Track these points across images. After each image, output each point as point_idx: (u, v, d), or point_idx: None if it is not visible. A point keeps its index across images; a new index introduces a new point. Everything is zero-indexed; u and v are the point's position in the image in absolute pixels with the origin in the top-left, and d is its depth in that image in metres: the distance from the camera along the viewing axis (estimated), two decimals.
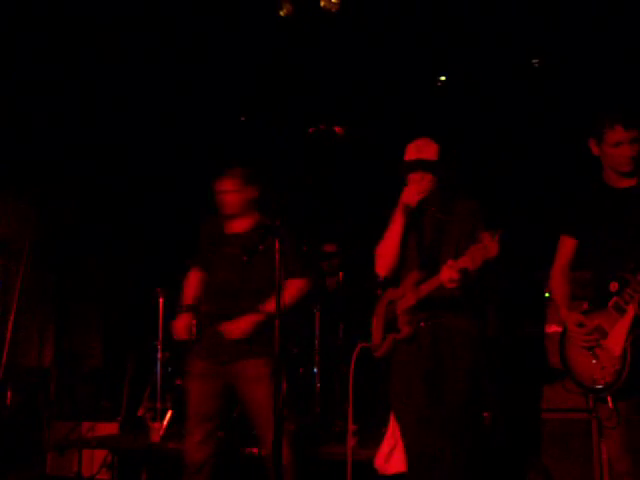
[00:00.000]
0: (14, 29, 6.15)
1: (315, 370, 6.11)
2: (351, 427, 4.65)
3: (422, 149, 4.15)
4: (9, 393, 4.67)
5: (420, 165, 4.11)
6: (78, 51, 6.48)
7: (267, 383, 4.26)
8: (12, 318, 4.34)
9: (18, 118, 6.99)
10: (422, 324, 4.09)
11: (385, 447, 4.93)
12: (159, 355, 6.49)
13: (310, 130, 4.12)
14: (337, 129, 4.20)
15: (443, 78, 6.94)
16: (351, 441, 4.72)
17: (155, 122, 7.41)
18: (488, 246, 3.65)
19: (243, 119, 7.54)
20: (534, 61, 6.60)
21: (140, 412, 6.55)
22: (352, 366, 4.51)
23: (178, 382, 6.37)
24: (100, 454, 5.92)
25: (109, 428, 6.34)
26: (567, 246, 4.12)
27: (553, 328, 5.31)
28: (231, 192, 4.70)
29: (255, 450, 5.54)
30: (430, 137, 4.20)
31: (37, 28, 6.17)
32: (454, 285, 3.83)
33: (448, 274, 3.82)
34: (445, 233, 4.13)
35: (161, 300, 6.59)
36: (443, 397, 4.00)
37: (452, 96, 6.86)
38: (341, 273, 6.48)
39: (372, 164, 6.62)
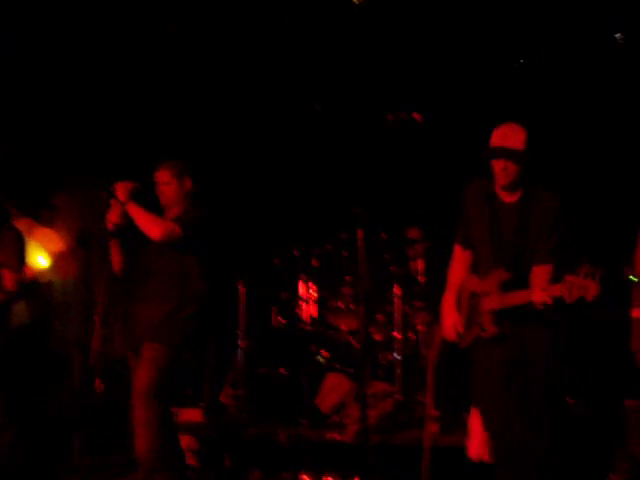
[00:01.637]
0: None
1: (397, 356, 6.11)
2: (429, 413, 4.62)
3: (508, 136, 4.01)
4: (97, 381, 4.78)
5: (504, 154, 3.98)
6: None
7: None
8: (99, 308, 4.42)
9: (94, 110, 7.15)
10: (503, 324, 4.02)
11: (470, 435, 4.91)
12: (240, 343, 6.58)
13: (389, 117, 4.11)
14: (416, 116, 4.18)
15: (522, 61, 6.83)
16: (429, 428, 4.69)
17: (230, 118, 7.46)
18: (588, 287, 3.53)
19: (317, 108, 7.54)
20: (617, 36, 6.38)
21: (222, 399, 6.65)
22: (433, 353, 4.51)
23: (260, 369, 6.47)
24: (185, 439, 6.01)
25: (193, 414, 6.43)
26: None
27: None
28: (166, 184, 4.90)
29: (337, 436, 5.58)
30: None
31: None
32: (543, 307, 3.77)
33: (541, 298, 3.74)
34: (527, 229, 4.02)
35: (242, 289, 6.66)
36: (524, 390, 3.97)
37: (532, 79, 6.74)
38: (424, 259, 6.46)
39: (452, 149, 6.56)
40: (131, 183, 4.78)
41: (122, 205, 4.70)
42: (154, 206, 4.89)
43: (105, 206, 4.87)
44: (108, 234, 4.82)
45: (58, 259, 7.18)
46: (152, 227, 4.64)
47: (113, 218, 4.79)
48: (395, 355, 6.16)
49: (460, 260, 4.39)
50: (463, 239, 4.36)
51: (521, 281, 3.98)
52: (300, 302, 6.68)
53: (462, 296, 4.28)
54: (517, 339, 4.03)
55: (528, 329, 4.02)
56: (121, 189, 4.72)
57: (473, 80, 6.68)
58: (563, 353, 4.15)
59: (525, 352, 4.01)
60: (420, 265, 6.51)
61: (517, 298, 3.90)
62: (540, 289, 3.74)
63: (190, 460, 5.84)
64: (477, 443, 4.55)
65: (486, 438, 4.43)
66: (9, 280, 5.21)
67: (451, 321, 4.27)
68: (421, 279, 6.42)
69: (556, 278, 3.78)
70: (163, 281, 4.76)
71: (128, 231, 4.78)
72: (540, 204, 4.03)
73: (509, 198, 4.11)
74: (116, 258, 4.87)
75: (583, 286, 3.54)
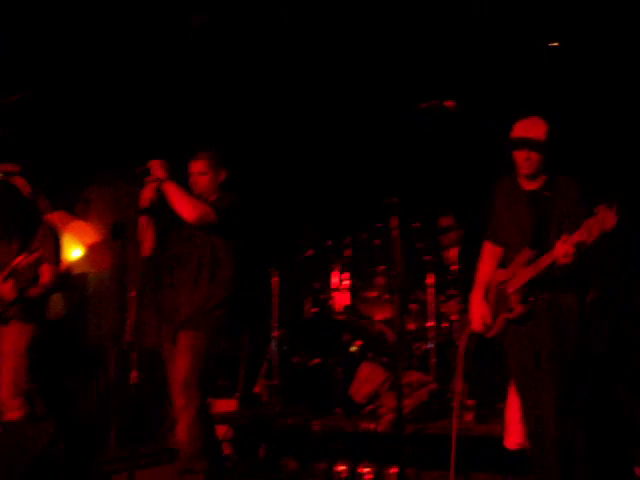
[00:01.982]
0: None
1: (431, 345, 6.09)
2: (458, 402, 4.61)
3: (530, 128, 4.15)
4: (134, 372, 4.80)
5: (526, 144, 4.12)
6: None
7: None
8: (134, 300, 4.44)
9: (126, 103, 7.18)
10: (531, 298, 4.07)
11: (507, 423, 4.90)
12: (274, 333, 6.60)
13: (422, 105, 4.09)
14: (449, 103, 4.16)
15: (555, 44, 6.73)
16: (457, 416, 4.68)
17: (262, 106, 7.46)
18: (605, 217, 3.62)
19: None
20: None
21: (256, 389, 6.67)
22: (463, 344, 4.52)
23: (294, 359, 6.48)
24: (220, 429, 6.04)
25: (227, 405, 6.46)
26: None
27: None
28: (201, 174, 4.87)
29: (372, 426, 5.58)
30: (540, 113, 4.19)
31: None
32: (568, 260, 3.80)
33: (563, 249, 3.79)
34: (552, 212, 4.10)
35: (275, 279, 6.68)
36: (553, 372, 3.99)
37: (564, 64, 6.65)
38: (458, 247, 6.43)
39: (484, 135, 6.51)
40: (164, 161, 4.74)
41: (159, 182, 4.65)
42: None
43: (137, 196, 4.87)
44: (141, 212, 4.78)
45: (92, 251, 7.25)
46: (188, 208, 4.61)
47: (148, 194, 4.77)
48: (429, 344, 6.14)
49: (489, 257, 4.48)
50: (492, 235, 4.46)
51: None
52: (333, 292, 6.67)
53: (490, 289, 4.33)
54: (544, 315, 4.07)
55: (556, 300, 4.07)
56: (157, 166, 4.68)
57: (507, 66, 6.61)
58: (595, 322, 4.16)
59: (554, 325, 4.04)
60: (453, 253, 6.48)
61: (541, 262, 3.96)
62: (560, 242, 3.81)
63: (225, 450, 5.88)
64: (515, 432, 4.58)
65: (523, 426, 4.45)
66: (48, 274, 5.25)
67: (479, 313, 4.33)
68: (454, 268, 6.38)
69: None
70: (195, 269, 4.76)
71: (161, 211, 4.76)
72: (561, 189, 4.14)
73: (531, 186, 4.23)
74: (148, 239, 4.83)
75: (600, 220, 3.62)
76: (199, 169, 4.89)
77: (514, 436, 4.72)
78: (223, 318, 4.72)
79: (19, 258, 5.04)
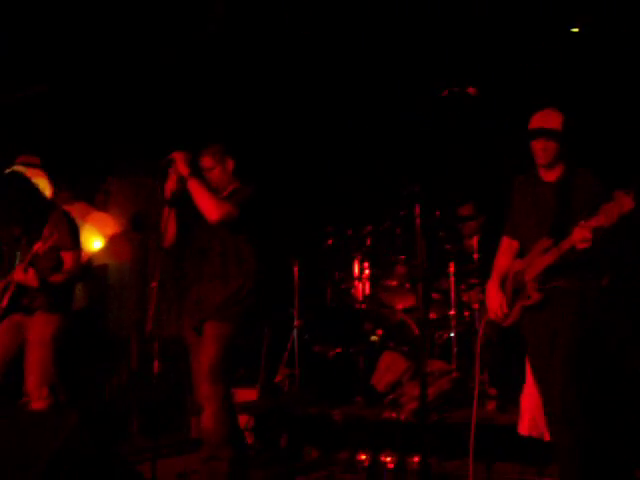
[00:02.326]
0: None
1: (452, 334, 6.08)
2: (477, 390, 4.59)
3: (547, 119, 4.18)
4: (156, 362, 4.82)
5: (543, 133, 4.15)
6: None
7: None
8: (154, 291, 4.45)
9: (144, 96, 7.20)
10: (547, 285, 4.08)
11: (522, 411, 4.90)
12: (295, 322, 6.60)
13: (444, 92, 4.07)
14: (470, 90, 4.14)
15: (575, 30, 6.68)
16: (477, 406, 4.67)
17: (284, 97, 7.45)
18: (622, 201, 3.63)
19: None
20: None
21: (278, 378, 6.68)
22: (480, 333, 4.52)
23: (315, 348, 6.48)
24: (242, 419, 6.06)
25: (249, 394, 6.47)
26: None
27: None
28: (210, 170, 4.85)
29: (394, 415, 5.57)
30: (559, 100, 4.25)
31: None
32: (586, 245, 3.80)
33: (580, 234, 3.80)
34: (571, 202, 4.11)
35: (296, 268, 6.68)
36: (568, 359, 4.00)
37: (585, 49, 6.60)
38: (478, 235, 6.40)
39: (506, 123, 6.48)
40: (188, 153, 4.73)
41: (183, 178, 4.64)
42: None
43: (159, 188, 4.86)
44: (165, 202, 4.78)
45: (113, 242, 7.28)
46: (212, 208, 4.59)
47: (170, 186, 4.77)
48: (451, 333, 6.13)
49: (507, 250, 4.49)
50: (510, 229, 4.47)
51: None
52: (354, 281, 6.67)
53: (507, 279, 4.34)
54: (560, 301, 4.07)
55: (573, 286, 4.07)
56: (181, 159, 4.67)
57: (528, 53, 6.58)
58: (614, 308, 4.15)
59: (570, 311, 4.05)
60: (474, 242, 6.46)
61: (559, 248, 3.97)
62: (578, 227, 3.81)
63: (247, 439, 5.90)
64: (527, 419, 4.61)
65: (535, 415, 4.47)
66: (68, 260, 5.27)
67: (496, 302, 4.33)
68: (476, 256, 6.36)
69: None
70: (219, 262, 4.76)
71: (184, 203, 4.75)
72: (580, 180, 4.16)
73: (549, 177, 4.26)
74: (170, 230, 4.82)
75: (618, 204, 3.64)
76: (207, 165, 4.88)
77: (525, 424, 4.75)
78: (249, 309, 4.73)
79: (36, 245, 5.06)
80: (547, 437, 4.55)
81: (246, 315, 4.72)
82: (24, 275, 5.10)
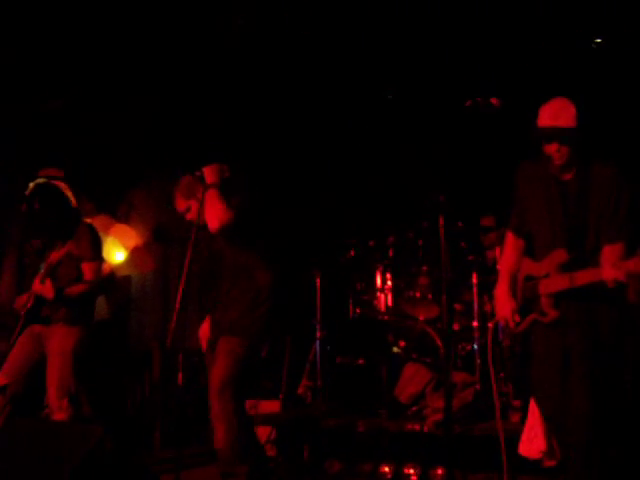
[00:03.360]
0: None
1: (475, 346, 6.04)
2: (498, 403, 4.51)
3: (559, 114, 3.87)
4: (180, 374, 4.84)
5: (556, 136, 3.85)
6: None
7: None
8: (178, 303, 4.45)
9: (167, 108, 7.23)
10: (563, 304, 3.90)
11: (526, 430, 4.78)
12: (318, 334, 6.59)
13: (467, 103, 4.05)
14: (494, 101, 4.11)
15: (598, 40, 6.64)
16: (500, 417, 4.59)
17: (305, 107, 7.46)
18: None
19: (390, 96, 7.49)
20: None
21: (300, 390, 6.67)
22: (489, 340, 4.39)
23: (337, 360, 6.46)
24: (264, 430, 6.05)
25: (271, 406, 6.47)
26: None
27: None
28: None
29: (417, 427, 5.55)
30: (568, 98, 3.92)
31: None
32: (616, 284, 3.63)
33: (613, 275, 3.61)
34: (587, 205, 3.89)
35: (318, 280, 6.68)
36: (584, 377, 3.83)
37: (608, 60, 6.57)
38: (499, 247, 6.36)
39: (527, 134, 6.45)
40: (221, 166, 4.71)
41: (205, 188, 4.61)
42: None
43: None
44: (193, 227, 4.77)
45: (135, 254, 7.31)
46: (217, 214, 4.57)
47: (190, 216, 4.79)
48: (474, 345, 6.09)
49: (513, 248, 4.28)
50: (516, 226, 4.26)
51: (581, 262, 3.84)
52: (376, 292, 6.65)
53: (516, 282, 4.17)
54: (579, 323, 3.88)
55: (594, 311, 3.88)
56: (210, 171, 4.66)
57: (552, 64, 6.54)
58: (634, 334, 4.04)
59: (589, 336, 3.86)
60: (497, 253, 6.42)
61: (585, 277, 3.75)
62: (611, 265, 3.61)
63: (269, 452, 5.89)
64: (525, 438, 4.42)
65: (535, 434, 4.30)
66: (87, 271, 5.29)
67: (507, 309, 4.14)
68: (497, 267, 6.32)
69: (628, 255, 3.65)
70: (232, 275, 4.76)
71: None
72: (598, 177, 3.89)
73: (565, 176, 3.98)
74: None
75: None
76: (181, 209, 4.87)
77: (524, 443, 4.57)
78: (262, 322, 4.70)
79: (52, 256, 5.10)
80: (546, 463, 4.34)
81: (259, 328, 4.69)
82: (41, 286, 5.14)
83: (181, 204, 4.87)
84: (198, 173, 4.69)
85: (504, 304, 4.18)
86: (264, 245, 4.80)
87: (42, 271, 5.20)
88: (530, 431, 4.46)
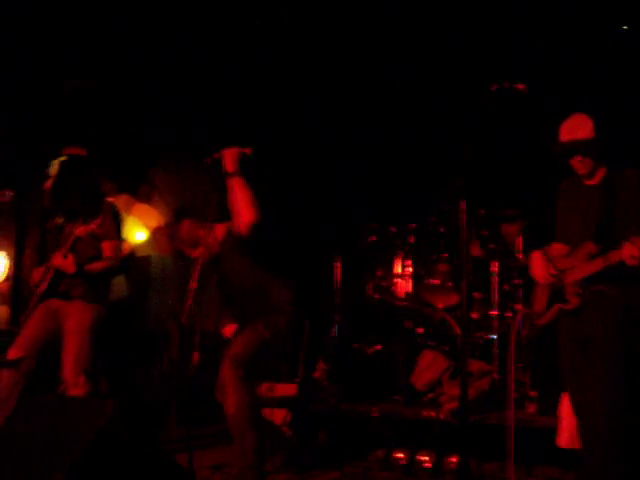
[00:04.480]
0: None
1: (494, 336, 6.00)
2: (513, 394, 4.53)
3: (576, 129, 4.16)
4: (195, 354, 4.85)
5: (576, 148, 4.13)
6: None
7: None
8: (193, 290, 4.46)
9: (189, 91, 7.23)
10: (586, 292, 4.04)
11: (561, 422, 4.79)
12: (336, 319, 6.57)
13: (493, 87, 4.00)
14: (520, 86, 4.06)
15: (625, 27, 6.55)
16: (513, 406, 4.61)
17: (324, 97, 7.44)
18: None
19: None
20: None
21: (317, 374, 6.66)
22: (514, 331, 4.45)
23: (354, 345, 6.45)
24: (280, 413, 6.05)
25: (287, 389, 6.46)
26: None
27: None
28: None
29: (432, 414, 5.53)
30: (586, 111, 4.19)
31: None
32: (635, 262, 3.76)
33: (630, 251, 3.76)
34: (615, 205, 4.09)
35: (338, 264, 6.66)
36: (596, 367, 3.98)
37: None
38: (522, 236, 6.32)
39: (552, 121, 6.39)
40: (240, 149, 4.60)
41: (227, 176, 4.53)
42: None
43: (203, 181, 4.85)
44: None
45: (156, 234, 7.31)
46: (248, 210, 4.51)
47: (198, 253, 4.79)
48: (492, 334, 6.06)
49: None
50: (559, 238, 4.39)
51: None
52: (396, 278, 6.63)
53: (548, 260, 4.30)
54: (594, 306, 4.03)
55: (615, 293, 4.02)
56: (229, 156, 4.57)
57: (578, 50, 6.47)
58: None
59: (603, 316, 4.01)
60: (517, 243, 6.37)
61: (607, 259, 3.92)
62: (629, 243, 3.77)
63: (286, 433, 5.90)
64: (567, 430, 4.52)
65: (575, 424, 4.37)
66: (107, 249, 5.29)
67: (543, 270, 4.27)
68: (520, 256, 6.27)
69: None
70: (244, 297, 4.79)
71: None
72: (623, 182, 4.13)
73: (591, 181, 4.24)
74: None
75: None
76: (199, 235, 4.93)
77: (565, 435, 4.65)
78: (286, 324, 4.73)
79: (79, 229, 5.10)
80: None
81: (283, 329, 4.73)
82: (63, 260, 5.13)
83: (187, 250, 4.93)
84: (217, 155, 4.61)
85: (540, 266, 4.31)
86: (279, 259, 4.80)
87: (64, 245, 5.19)
88: (562, 422, 4.54)
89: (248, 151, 4.60)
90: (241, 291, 4.81)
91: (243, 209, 4.53)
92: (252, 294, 4.78)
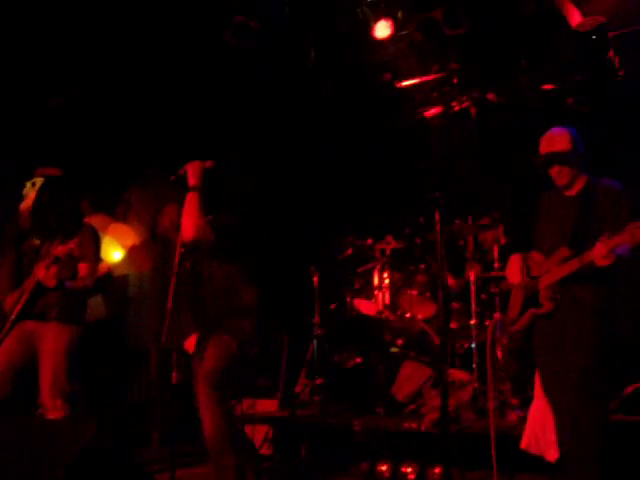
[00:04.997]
0: None
1: (473, 345, 6.02)
2: (492, 402, 4.56)
3: (554, 141, 4.29)
4: (174, 372, 4.81)
5: (554, 159, 4.26)
6: None
7: None
8: (169, 307, 4.45)
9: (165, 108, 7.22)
10: (557, 296, 4.13)
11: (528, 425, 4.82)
12: (315, 332, 6.57)
13: (462, 97, 4.05)
14: (490, 96, 4.13)
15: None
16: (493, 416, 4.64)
17: (303, 106, 7.45)
18: None
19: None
20: None
21: (298, 389, 6.65)
22: (489, 337, 4.49)
23: (335, 358, 6.44)
24: (261, 429, 6.03)
25: (269, 404, 6.45)
26: None
27: None
28: None
29: (414, 425, 5.52)
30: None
31: None
32: (606, 262, 3.85)
33: (601, 250, 3.84)
34: (591, 213, 4.18)
35: (316, 278, 6.66)
36: (569, 368, 4.04)
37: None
38: (498, 245, 6.35)
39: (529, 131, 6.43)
40: (201, 163, 4.60)
41: (188, 190, 4.53)
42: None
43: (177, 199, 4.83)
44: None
45: (133, 253, 7.28)
46: (191, 226, 4.50)
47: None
48: (471, 343, 6.07)
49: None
50: (537, 246, 4.44)
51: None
52: (375, 290, 6.63)
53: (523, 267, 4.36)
54: (566, 307, 4.12)
55: (586, 295, 4.09)
56: (193, 170, 4.57)
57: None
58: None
59: (574, 316, 4.09)
60: (495, 251, 6.40)
61: (579, 261, 4.00)
62: (600, 242, 3.85)
63: (267, 450, 5.87)
64: (527, 434, 4.58)
65: (537, 432, 4.42)
66: (83, 270, 5.26)
67: (517, 269, 4.35)
68: (496, 265, 6.30)
69: None
70: (217, 294, 4.76)
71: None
72: (600, 191, 4.23)
73: (571, 192, 4.34)
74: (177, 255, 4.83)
75: None
76: None
77: (525, 439, 4.69)
78: (251, 328, 4.70)
79: (58, 248, 5.06)
80: (548, 456, 4.50)
81: (247, 334, 4.69)
82: (45, 272, 5.08)
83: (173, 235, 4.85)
84: (182, 171, 4.62)
85: (515, 266, 4.39)
86: (249, 261, 4.78)
87: (44, 260, 5.14)
88: (532, 426, 4.53)
89: (209, 164, 4.62)
90: (211, 291, 4.77)
91: (186, 224, 4.53)
92: (220, 294, 4.74)
